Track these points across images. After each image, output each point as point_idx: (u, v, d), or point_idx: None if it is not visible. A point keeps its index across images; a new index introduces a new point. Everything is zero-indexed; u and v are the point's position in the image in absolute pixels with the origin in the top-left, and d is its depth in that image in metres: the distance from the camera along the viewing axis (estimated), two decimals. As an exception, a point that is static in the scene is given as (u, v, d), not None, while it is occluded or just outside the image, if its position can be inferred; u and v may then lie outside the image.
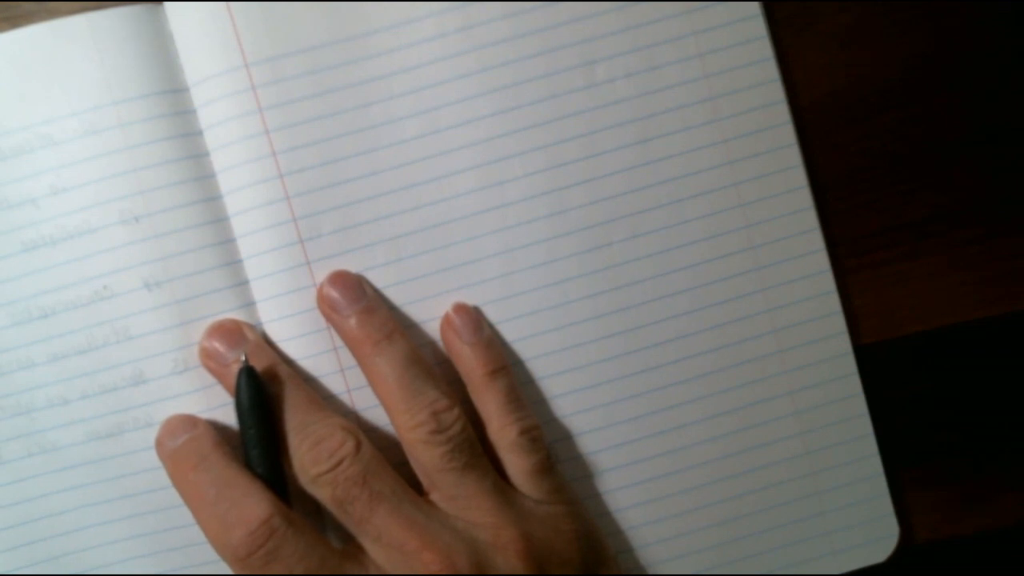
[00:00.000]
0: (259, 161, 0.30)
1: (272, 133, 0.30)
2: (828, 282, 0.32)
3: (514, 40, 0.30)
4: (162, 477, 0.29)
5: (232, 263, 0.30)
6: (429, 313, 0.31)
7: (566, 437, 0.32)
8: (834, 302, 0.32)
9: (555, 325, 0.31)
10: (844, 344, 0.32)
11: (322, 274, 0.31)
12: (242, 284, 0.30)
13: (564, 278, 0.31)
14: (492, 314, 0.31)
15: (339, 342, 0.31)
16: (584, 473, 0.32)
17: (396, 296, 0.31)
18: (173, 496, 0.28)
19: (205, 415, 0.30)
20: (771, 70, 0.31)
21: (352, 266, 0.31)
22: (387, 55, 0.30)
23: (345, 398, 0.31)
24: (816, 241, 0.32)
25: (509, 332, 0.31)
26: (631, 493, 0.32)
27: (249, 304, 0.30)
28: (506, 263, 0.31)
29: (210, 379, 0.30)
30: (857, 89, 0.32)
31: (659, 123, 0.31)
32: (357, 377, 0.31)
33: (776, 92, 0.31)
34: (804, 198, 0.32)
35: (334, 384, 0.31)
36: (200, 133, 0.30)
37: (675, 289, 0.31)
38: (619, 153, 0.31)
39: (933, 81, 0.32)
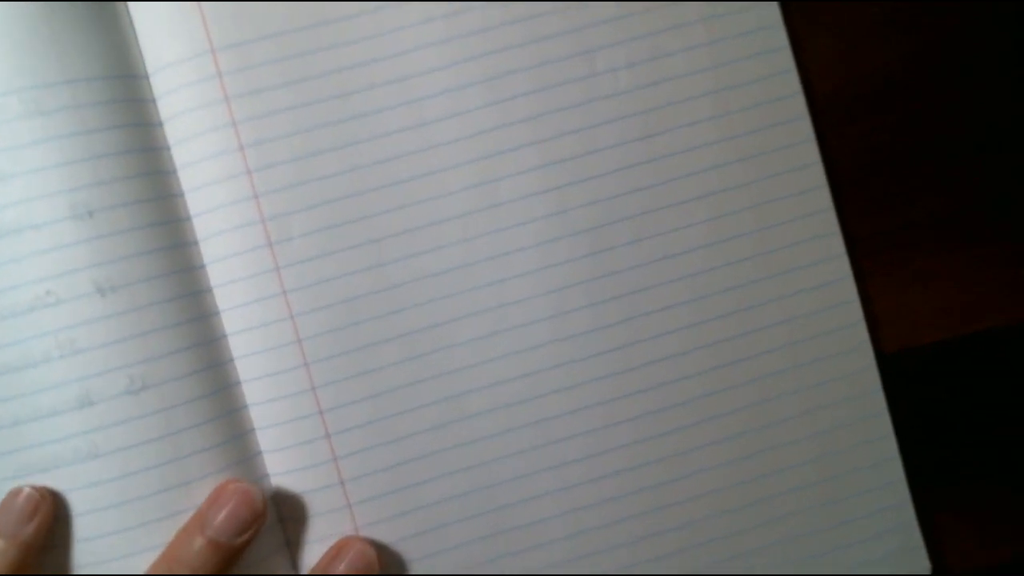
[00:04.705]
0: (225, 155, 0.28)
1: (240, 125, 0.28)
2: (849, 290, 0.30)
3: (507, 25, 0.28)
4: (111, 519, 0.26)
5: (195, 268, 0.28)
6: (412, 324, 0.29)
7: (559, 465, 0.29)
8: (855, 311, 0.30)
9: (550, 337, 0.29)
10: (866, 357, 0.29)
11: (293, 280, 0.28)
12: (205, 292, 0.28)
13: (561, 285, 0.29)
14: (482, 325, 0.29)
15: (310, 357, 0.28)
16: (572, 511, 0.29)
17: (376, 306, 0.28)
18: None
19: (163, 442, 0.27)
20: (786, 59, 0.29)
21: (328, 272, 0.28)
22: (368, 41, 0.28)
23: (316, 419, 0.29)
24: (836, 246, 0.30)
25: (500, 345, 0.29)
26: (631, 526, 0.29)
27: (213, 314, 0.28)
28: (498, 268, 0.29)
29: (168, 400, 0.27)
30: (873, 78, 0.30)
31: (664, 117, 0.29)
32: (329, 396, 0.28)
33: (791, 84, 0.29)
34: (822, 199, 0.30)
35: (304, 405, 0.28)
36: (161, 124, 0.28)
37: (681, 298, 0.29)
38: (621, 149, 0.29)
39: (955, 69, 0.30)
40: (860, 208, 0.30)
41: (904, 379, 0.30)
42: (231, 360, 0.28)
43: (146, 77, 0.28)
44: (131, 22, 0.28)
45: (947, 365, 0.30)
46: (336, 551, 0.28)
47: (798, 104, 0.29)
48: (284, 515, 0.28)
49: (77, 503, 0.27)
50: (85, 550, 0.27)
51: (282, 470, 0.28)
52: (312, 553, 0.28)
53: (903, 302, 0.30)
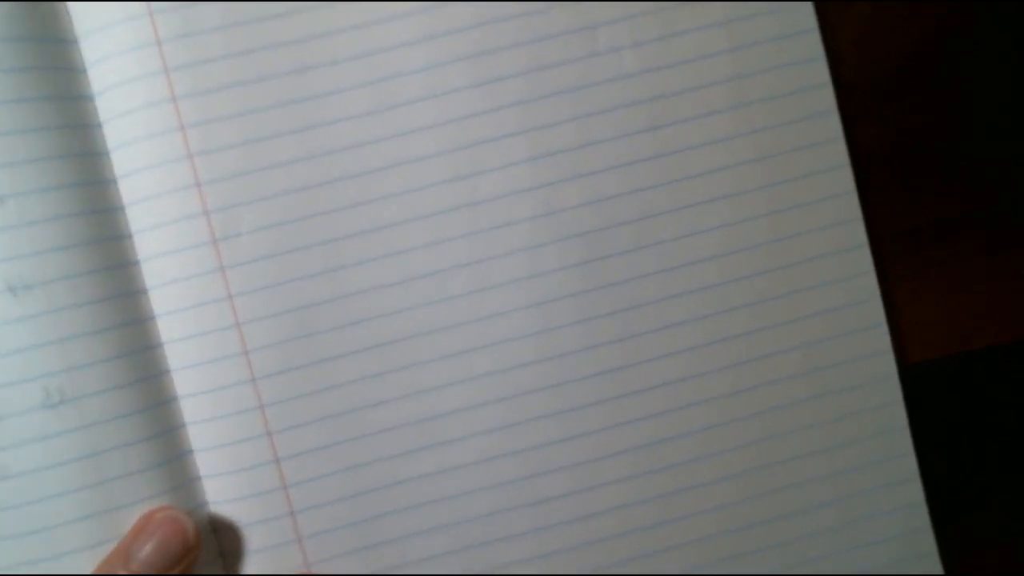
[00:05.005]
0: (163, 136, 0.26)
1: (180, 100, 0.26)
2: (876, 310, 0.28)
3: None
4: (23, 548, 0.25)
5: (127, 265, 0.26)
6: (376, 337, 0.27)
7: (541, 501, 0.27)
8: (880, 323, 0.28)
9: (535, 356, 0.27)
10: (887, 364, 0.28)
11: (240, 283, 0.26)
12: (139, 293, 0.26)
13: (549, 297, 0.27)
14: (456, 341, 0.27)
15: (258, 371, 0.26)
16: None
17: (334, 315, 0.27)
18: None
19: (84, 463, 0.25)
20: (815, 44, 0.27)
21: (280, 274, 0.26)
22: (330, 8, 0.26)
23: (264, 441, 0.27)
24: (864, 262, 0.28)
25: (477, 364, 0.27)
26: (622, 571, 0.28)
27: (148, 319, 0.26)
28: (476, 276, 0.27)
29: (91, 416, 0.25)
30: (898, 56, 0.28)
31: (674, 106, 0.27)
32: (278, 416, 0.26)
33: (820, 72, 0.27)
34: (851, 207, 0.28)
35: (251, 425, 0.26)
36: (92, 98, 0.26)
37: (686, 316, 0.27)
38: (623, 142, 0.27)
39: (993, 41, 0.29)
40: (885, 204, 0.29)
41: (928, 392, 0.29)
42: (167, 372, 0.26)
43: (75, 41, 0.26)
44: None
45: (977, 377, 0.29)
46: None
47: (826, 96, 0.27)
48: (225, 549, 0.27)
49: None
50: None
51: (224, 498, 0.26)
52: (256, 593, 0.27)
53: (933, 308, 0.29)
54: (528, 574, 0.27)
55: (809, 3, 0.27)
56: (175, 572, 0.25)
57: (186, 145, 0.26)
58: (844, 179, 0.27)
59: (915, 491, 0.28)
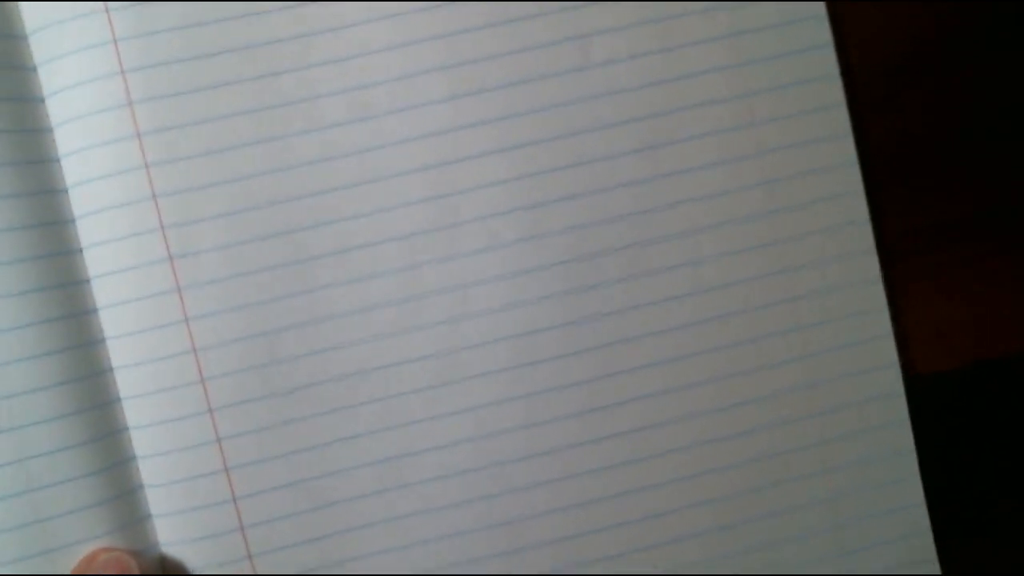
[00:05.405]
0: (118, 144, 0.25)
1: (137, 106, 0.25)
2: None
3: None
4: None
5: (76, 284, 0.25)
6: (343, 366, 0.25)
7: (520, 549, 0.26)
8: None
9: (517, 392, 0.26)
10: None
11: (198, 305, 0.25)
12: (88, 313, 0.25)
13: (532, 329, 0.26)
14: (429, 374, 0.26)
15: (216, 401, 0.25)
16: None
17: (300, 342, 0.25)
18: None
19: (21, 499, 0.24)
20: (828, 61, 0.26)
21: (241, 297, 0.25)
22: (302, 7, 0.25)
23: (221, 478, 0.25)
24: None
25: (452, 399, 0.26)
26: None
27: (97, 342, 0.25)
28: (452, 304, 0.26)
29: (30, 449, 0.24)
30: (907, 56, 0.27)
31: (673, 124, 0.26)
32: (237, 450, 0.25)
33: (834, 92, 0.26)
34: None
35: (207, 460, 0.25)
36: (42, 100, 0.25)
37: (677, 353, 0.26)
38: (614, 163, 0.26)
39: (1005, 31, 0.28)
40: (891, 205, 0.28)
41: (934, 407, 0.28)
42: (117, 400, 0.25)
43: (24, 38, 0.25)
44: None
45: (989, 389, 0.28)
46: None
47: (840, 118, 0.26)
48: (176, 593, 0.26)
49: None
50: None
51: (176, 538, 0.25)
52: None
53: (941, 315, 0.28)
54: None
55: (824, 16, 0.26)
56: None
57: (142, 154, 0.24)
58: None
59: (920, 517, 0.27)
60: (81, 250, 0.25)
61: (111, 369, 0.25)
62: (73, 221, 0.25)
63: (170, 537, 0.25)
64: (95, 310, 0.25)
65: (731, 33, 0.26)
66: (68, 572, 0.24)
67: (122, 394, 0.25)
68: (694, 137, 0.26)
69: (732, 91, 0.26)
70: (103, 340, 0.25)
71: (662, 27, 0.26)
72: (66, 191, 0.24)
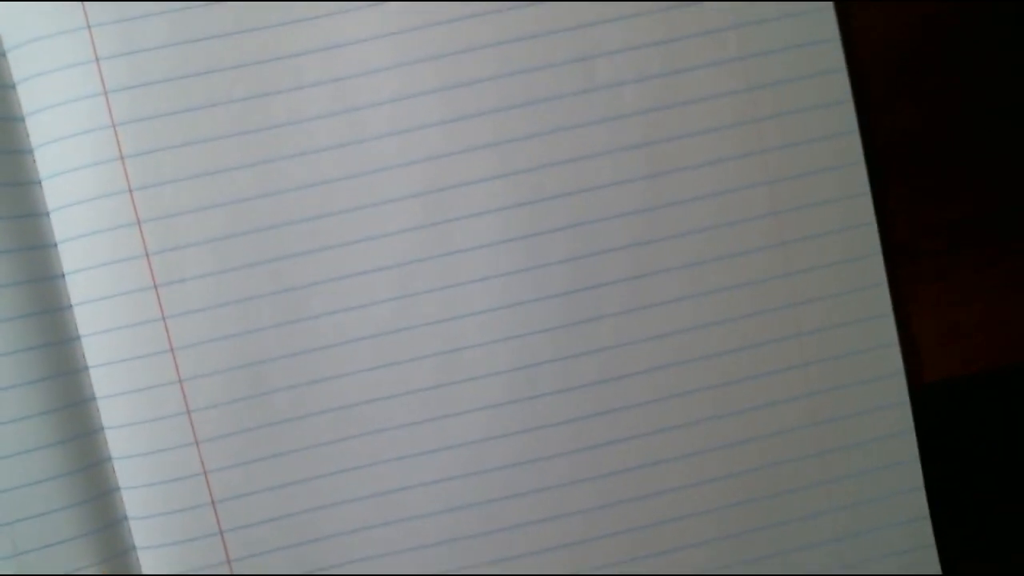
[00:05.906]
0: (101, 167, 0.24)
1: (120, 127, 0.24)
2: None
3: (478, 18, 0.25)
4: None
5: (58, 310, 0.24)
6: (333, 399, 0.25)
7: None
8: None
9: (516, 427, 0.25)
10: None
11: (183, 335, 0.24)
12: (71, 341, 0.24)
13: (532, 362, 0.25)
14: (422, 407, 0.25)
15: (201, 433, 0.24)
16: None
17: (289, 374, 0.24)
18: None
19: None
20: (842, 85, 0.25)
21: (228, 326, 0.24)
22: (295, 26, 0.24)
23: (207, 511, 0.24)
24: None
25: (446, 434, 0.25)
26: None
27: (79, 370, 0.24)
28: (446, 335, 0.25)
29: (12, 478, 0.24)
30: (911, 48, 0.27)
31: (680, 150, 0.25)
32: (224, 484, 0.24)
33: (847, 122, 0.25)
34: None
35: (193, 493, 0.24)
36: (21, 119, 0.24)
37: (686, 386, 0.25)
38: (621, 189, 0.25)
39: (1011, 25, 0.27)
40: (895, 206, 0.27)
41: (940, 418, 0.27)
42: (100, 430, 0.25)
43: (2, 55, 0.24)
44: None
45: (994, 396, 0.28)
46: None
47: (854, 151, 0.25)
48: (161, 629, 0.25)
49: None
50: None
51: (161, 571, 0.25)
52: None
53: (947, 322, 0.27)
54: None
55: (838, 39, 0.25)
56: None
57: (125, 177, 0.24)
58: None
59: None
60: (63, 276, 0.24)
61: (93, 399, 0.24)
62: (55, 246, 0.24)
63: (154, 569, 0.24)
64: (77, 338, 0.24)
65: (740, 56, 0.25)
66: None
67: (105, 424, 0.24)
68: (699, 166, 0.25)
69: (742, 117, 0.25)
70: (86, 369, 0.24)
71: (668, 49, 0.25)
72: (47, 215, 0.24)
